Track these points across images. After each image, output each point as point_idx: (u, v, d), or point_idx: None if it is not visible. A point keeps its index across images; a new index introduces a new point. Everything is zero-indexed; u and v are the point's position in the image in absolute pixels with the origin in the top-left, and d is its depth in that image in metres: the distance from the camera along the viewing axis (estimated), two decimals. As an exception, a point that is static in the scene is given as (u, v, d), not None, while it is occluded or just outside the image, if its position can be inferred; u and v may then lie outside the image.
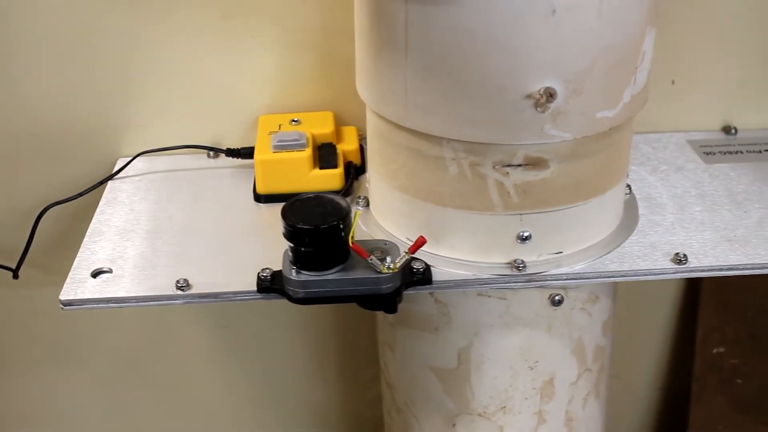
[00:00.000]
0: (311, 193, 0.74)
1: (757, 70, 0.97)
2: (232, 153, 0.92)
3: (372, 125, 0.78)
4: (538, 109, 0.67)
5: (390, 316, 0.85)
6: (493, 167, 0.71)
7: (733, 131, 0.98)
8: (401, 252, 0.72)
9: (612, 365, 1.17)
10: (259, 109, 0.95)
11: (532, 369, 0.81)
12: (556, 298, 0.78)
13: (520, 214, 0.73)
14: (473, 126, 0.69)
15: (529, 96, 0.67)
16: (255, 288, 0.74)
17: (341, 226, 0.70)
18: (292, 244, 0.71)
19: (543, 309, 0.78)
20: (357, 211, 0.72)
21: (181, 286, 0.75)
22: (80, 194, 0.91)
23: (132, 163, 0.94)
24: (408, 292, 0.77)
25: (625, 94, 0.71)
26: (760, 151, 0.94)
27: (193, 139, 0.95)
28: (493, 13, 0.64)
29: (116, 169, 0.93)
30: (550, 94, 0.67)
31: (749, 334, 1.09)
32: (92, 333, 1.09)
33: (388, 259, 0.72)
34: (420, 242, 0.72)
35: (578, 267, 0.76)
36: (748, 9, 0.94)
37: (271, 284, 0.74)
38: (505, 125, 0.69)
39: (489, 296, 0.78)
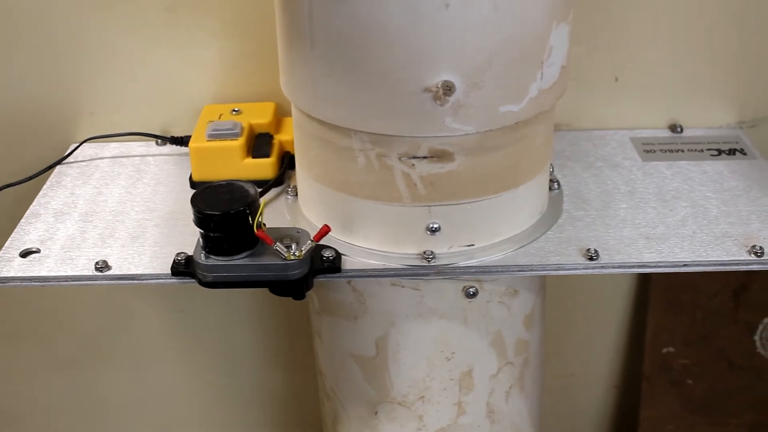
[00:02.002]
0: (224, 180, 0.76)
1: (703, 68, 0.96)
2: (175, 141, 0.95)
3: (293, 116, 0.80)
4: (437, 102, 0.68)
5: (316, 303, 0.87)
6: (399, 159, 0.72)
7: (678, 129, 0.97)
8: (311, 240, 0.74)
9: (567, 363, 1.18)
10: (206, 99, 0.97)
11: (449, 360, 0.82)
12: (470, 290, 0.79)
13: (428, 206, 0.74)
14: (377, 118, 0.70)
15: (427, 89, 0.68)
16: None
17: (247, 213, 0.72)
18: (201, 230, 0.73)
19: (457, 301, 0.79)
20: (264, 199, 0.73)
21: (100, 268, 0.77)
22: (29, 178, 0.94)
23: (83, 149, 0.97)
24: (325, 280, 0.78)
25: (531, 89, 0.71)
26: (702, 150, 0.94)
27: (144, 126, 0.97)
28: (388, 7, 0.65)
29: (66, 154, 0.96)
30: (448, 88, 0.67)
31: (699, 335, 1.08)
32: (53, 313, 1.12)
33: (294, 246, 0.73)
34: (324, 231, 0.73)
35: (488, 260, 0.76)
36: (695, 8, 0.93)
37: (185, 268, 0.76)
38: (407, 118, 0.70)
39: (402, 286, 0.79)
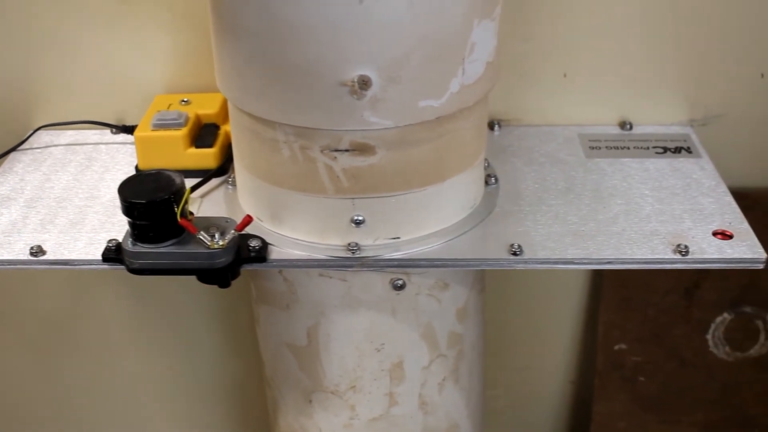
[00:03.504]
0: (154, 169, 0.77)
1: (654, 66, 0.96)
2: (126, 129, 0.96)
3: (229, 108, 0.81)
4: (354, 96, 0.69)
5: (254, 293, 0.88)
6: (322, 151, 0.73)
7: (628, 127, 0.98)
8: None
9: (524, 357, 1.19)
10: (159, 89, 0.98)
11: (378, 351, 0.83)
12: (398, 282, 0.79)
13: (352, 199, 0.75)
14: (298, 111, 0.71)
15: (344, 83, 0.69)
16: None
17: (172, 202, 0.73)
18: (127, 218, 0.75)
19: (385, 293, 0.80)
20: (188, 188, 0.75)
21: (35, 252, 0.79)
22: (-15, 164, 0.96)
23: (40, 136, 0.98)
24: (259, 270, 0.80)
25: (452, 85, 0.72)
26: (648, 148, 0.94)
27: (99, 115, 0.99)
28: (304, 1, 0.66)
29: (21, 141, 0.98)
30: (364, 82, 0.68)
31: (651, 333, 1.09)
32: (16, 298, 1.14)
33: (217, 235, 0.74)
34: (246, 221, 0.75)
35: (413, 253, 0.77)
36: (646, 5, 0.93)
37: (115, 255, 0.78)
38: (327, 111, 0.71)
39: (330, 277, 0.80)
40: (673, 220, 0.82)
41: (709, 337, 1.09)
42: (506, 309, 1.13)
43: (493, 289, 1.10)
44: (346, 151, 0.73)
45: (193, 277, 0.77)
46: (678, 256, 0.77)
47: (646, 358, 1.10)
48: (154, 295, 1.15)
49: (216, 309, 1.16)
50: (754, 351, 1.10)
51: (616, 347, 1.10)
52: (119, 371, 1.21)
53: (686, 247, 0.77)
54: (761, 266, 0.78)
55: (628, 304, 1.07)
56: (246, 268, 0.77)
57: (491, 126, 0.98)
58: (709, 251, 0.78)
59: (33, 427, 1.27)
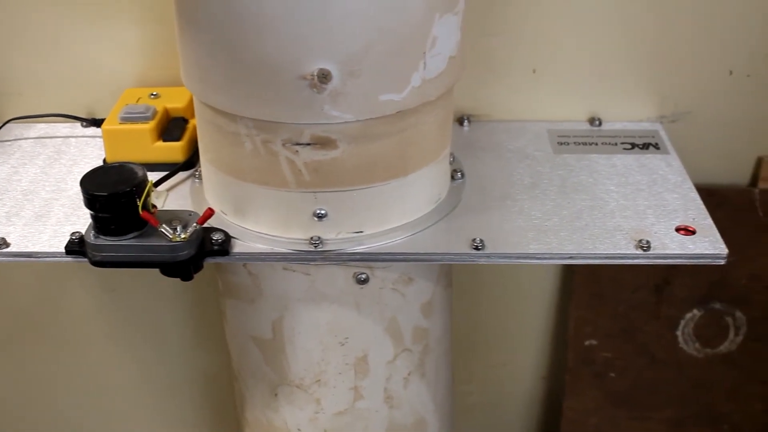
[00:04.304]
0: (117, 162, 0.77)
1: (623, 62, 0.96)
2: (96, 123, 0.96)
3: (194, 101, 0.81)
4: (314, 89, 0.69)
5: (220, 286, 0.88)
6: (283, 145, 0.73)
7: (597, 123, 0.98)
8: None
9: (498, 353, 1.19)
10: (130, 82, 0.98)
11: (342, 345, 0.83)
12: (361, 276, 0.80)
13: (314, 192, 0.75)
14: (260, 104, 0.72)
15: (303, 77, 0.69)
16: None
17: (134, 194, 0.73)
18: (90, 210, 0.75)
19: (348, 287, 0.80)
20: (150, 180, 0.75)
21: (-3, 245, 0.79)
22: (-45, 156, 0.96)
23: (10, 129, 0.99)
24: (224, 263, 0.80)
25: (413, 79, 0.72)
26: (616, 144, 0.94)
27: (70, 108, 0.99)
28: (263, -6, 0.66)
29: (-7, 134, 0.98)
30: (324, 75, 0.68)
31: (621, 329, 1.09)
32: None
33: (180, 228, 0.75)
34: (207, 214, 0.75)
35: (376, 247, 0.77)
36: (615, 0, 0.93)
37: (78, 247, 0.78)
38: (288, 105, 0.71)
39: (294, 271, 0.80)
40: (637, 216, 0.82)
41: (679, 333, 1.10)
42: (478, 305, 1.13)
43: (465, 285, 1.10)
44: (308, 144, 0.73)
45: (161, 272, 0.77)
46: (640, 252, 0.77)
47: (616, 354, 1.11)
48: (124, 289, 1.15)
49: (186, 303, 1.16)
50: (723, 347, 1.11)
51: (587, 343, 1.10)
52: (89, 365, 1.21)
53: (648, 242, 0.78)
54: (722, 262, 0.78)
55: (599, 300, 1.07)
56: (209, 261, 0.77)
57: (461, 121, 0.98)
58: (671, 247, 0.78)
59: (0, 421, 1.27)
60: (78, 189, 0.87)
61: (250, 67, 0.70)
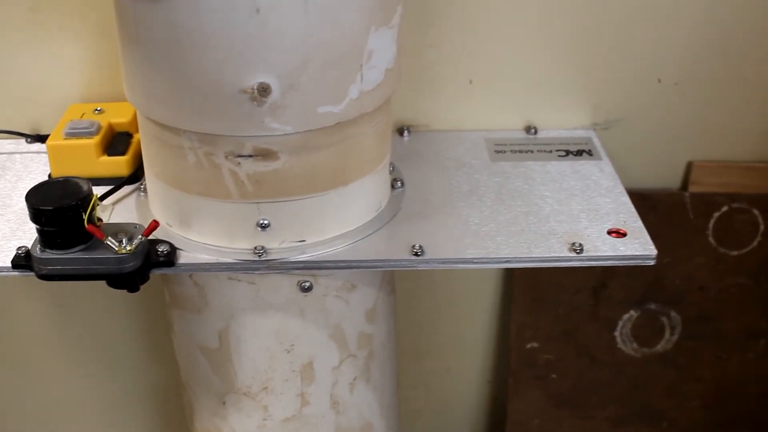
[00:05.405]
0: (62, 177, 0.78)
1: (556, 72, 1.00)
2: (40, 139, 0.97)
3: (137, 116, 0.83)
4: (255, 103, 0.71)
5: (167, 297, 0.89)
6: (226, 157, 0.75)
7: (532, 131, 1.01)
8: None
9: (443, 359, 1.22)
10: (74, 98, 0.99)
11: (288, 352, 0.85)
12: (305, 284, 0.82)
13: (257, 203, 0.77)
14: (202, 118, 0.73)
15: (244, 91, 0.71)
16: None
17: (79, 208, 0.75)
18: (35, 224, 0.76)
19: (293, 295, 0.82)
20: (95, 194, 0.76)
21: (-57, 261, 0.80)
22: None
23: (-47, 145, 0.99)
24: (169, 275, 0.82)
25: (350, 91, 0.74)
26: (551, 151, 0.97)
27: (14, 124, 1.00)
28: (201, 11, 0.68)
29: (-65, 150, 0.98)
30: (264, 89, 0.70)
31: (562, 331, 1.12)
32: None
33: (125, 240, 0.76)
34: (152, 226, 0.76)
35: (318, 255, 0.79)
36: (547, 12, 0.96)
37: (25, 261, 0.79)
38: (228, 118, 0.72)
39: (239, 280, 0.81)
40: (571, 220, 0.85)
41: (617, 334, 1.13)
42: (422, 311, 1.16)
43: (409, 291, 1.13)
44: (250, 156, 0.75)
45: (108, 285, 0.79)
46: (573, 254, 0.80)
47: (557, 355, 1.14)
48: (72, 304, 1.15)
49: (135, 316, 1.17)
50: (660, 347, 1.14)
51: (529, 346, 1.13)
52: (38, 380, 1.21)
53: (581, 245, 0.81)
54: (652, 262, 0.81)
55: (539, 304, 1.10)
56: (156, 273, 0.79)
57: (401, 132, 1.01)
58: (603, 249, 0.81)
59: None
60: (23, 204, 0.88)
61: (192, 82, 0.71)
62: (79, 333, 1.17)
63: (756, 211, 1.06)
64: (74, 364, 1.20)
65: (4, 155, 0.98)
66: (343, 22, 0.71)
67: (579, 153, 0.97)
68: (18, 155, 0.98)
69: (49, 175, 0.92)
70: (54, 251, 0.76)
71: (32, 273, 0.78)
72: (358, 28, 0.73)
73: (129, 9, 0.72)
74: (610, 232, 0.84)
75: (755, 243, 1.08)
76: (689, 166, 1.06)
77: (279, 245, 0.79)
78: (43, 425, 1.26)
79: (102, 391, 1.23)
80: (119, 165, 0.90)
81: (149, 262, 0.78)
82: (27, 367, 1.20)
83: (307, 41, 0.70)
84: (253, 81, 0.70)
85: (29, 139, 1.00)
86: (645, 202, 1.04)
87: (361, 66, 0.74)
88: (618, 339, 1.13)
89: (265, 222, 0.78)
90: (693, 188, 1.06)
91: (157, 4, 0.70)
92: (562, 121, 1.02)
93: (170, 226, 0.82)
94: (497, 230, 0.84)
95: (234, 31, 0.68)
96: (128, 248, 0.76)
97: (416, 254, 0.80)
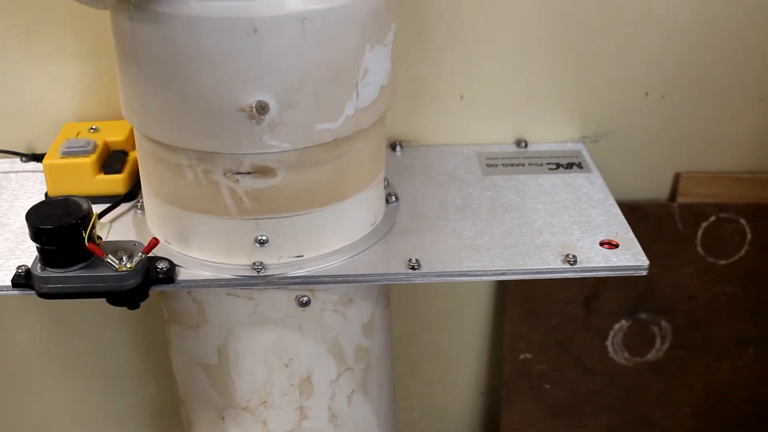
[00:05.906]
0: (62, 196, 0.79)
1: (546, 86, 1.01)
2: (36, 158, 0.98)
3: (135, 134, 0.84)
4: (253, 121, 0.72)
5: (165, 314, 0.90)
6: (224, 175, 0.76)
7: (523, 145, 1.02)
8: (146, 253, 0.78)
9: (437, 370, 1.23)
10: (69, 117, 1.00)
11: (287, 366, 0.86)
12: (303, 299, 0.82)
13: (255, 219, 0.78)
14: (200, 136, 0.74)
15: (242, 109, 0.72)
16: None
17: (80, 226, 0.75)
18: (36, 243, 0.76)
19: (291, 309, 0.83)
20: (95, 212, 0.77)
21: (-59, 280, 0.80)
22: None
23: (-52, 165, 1.00)
24: (168, 291, 0.82)
25: (346, 108, 0.75)
26: (542, 164, 0.99)
27: (8, 144, 1.01)
28: (200, 32, 0.69)
29: (-69, 170, 0.99)
30: (262, 107, 0.72)
31: (555, 342, 1.13)
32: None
33: (125, 258, 0.77)
34: (152, 243, 0.77)
35: (316, 270, 0.80)
36: (538, 27, 0.98)
37: (25, 280, 0.79)
38: (227, 136, 0.73)
39: (237, 296, 0.82)
40: (563, 232, 0.87)
41: (608, 343, 1.14)
42: (417, 324, 1.17)
43: (403, 304, 1.14)
44: (248, 173, 0.76)
45: (102, 301, 0.79)
46: (567, 266, 0.82)
47: (550, 366, 1.15)
48: (71, 320, 1.16)
49: (133, 331, 1.17)
50: (651, 356, 1.16)
51: (522, 357, 1.14)
52: (37, 397, 1.21)
53: (574, 257, 0.82)
54: (644, 273, 0.83)
55: (532, 315, 1.12)
56: (155, 290, 0.80)
57: (393, 147, 1.02)
58: (596, 260, 0.83)
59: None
60: (21, 223, 0.89)
61: (190, 101, 0.72)
62: (77, 349, 1.18)
63: (743, 221, 1.08)
64: (73, 379, 1.20)
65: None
66: (339, 41, 0.72)
67: (569, 166, 0.99)
68: (13, 174, 0.99)
69: (46, 194, 0.92)
70: (54, 270, 0.77)
71: (33, 292, 0.79)
72: (354, 47, 0.74)
73: (127, 29, 0.73)
74: (602, 244, 0.85)
75: (742, 252, 1.10)
76: (677, 178, 1.07)
77: (277, 261, 0.80)
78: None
79: (101, 406, 1.23)
80: (116, 183, 0.91)
81: (149, 279, 0.79)
82: (26, 383, 1.20)
83: (304, 60, 0.71)
84: (252, 99, 0.71)
85: (24, 158, 1.00)
86: (634, 213, 1.05)
87: (357, 83, 0.75)
88: (610, 349, 1.15)
89: (264, 238, 0.79)
90: (681, 199, 1.07)
91: (156, 24, 0.71)
92: (552, 135, 1.03)
93: (168, 243, 0.83)
94: (492, 243, 0.85)
95: (232, 50, 0.70)
96: (128, 266, 0.77)
97: (413, 268, 0.81)
